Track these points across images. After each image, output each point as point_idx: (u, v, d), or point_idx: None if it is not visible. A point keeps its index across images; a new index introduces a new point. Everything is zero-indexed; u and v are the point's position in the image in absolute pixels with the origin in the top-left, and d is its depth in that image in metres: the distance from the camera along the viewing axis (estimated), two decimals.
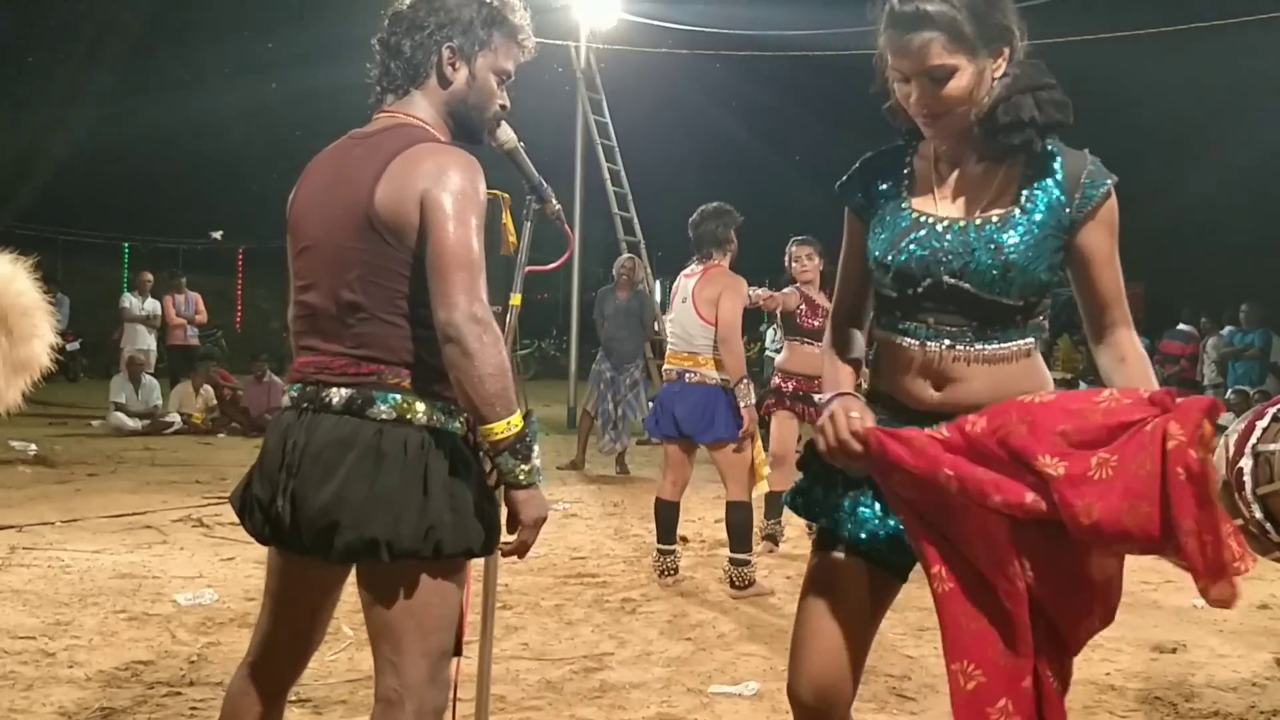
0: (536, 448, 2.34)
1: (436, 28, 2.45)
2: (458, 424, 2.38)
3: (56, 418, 13.22)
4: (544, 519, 2.39)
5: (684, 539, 7.26)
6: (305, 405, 2.40)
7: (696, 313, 5.96)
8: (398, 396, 2.34)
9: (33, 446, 10.19)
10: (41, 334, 4.19)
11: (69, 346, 15.67)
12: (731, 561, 5.98)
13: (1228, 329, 15.07)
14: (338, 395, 2.36)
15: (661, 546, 6.19)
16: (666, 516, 6.18)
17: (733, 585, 5.95)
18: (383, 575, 2.36)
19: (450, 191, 2.29)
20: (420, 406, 2.35)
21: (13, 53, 22.43)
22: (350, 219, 2.37)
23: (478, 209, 2.31)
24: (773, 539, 7.08)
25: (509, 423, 2.27)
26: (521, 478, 2.31)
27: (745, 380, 5.89)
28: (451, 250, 2.25)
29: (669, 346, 6.25)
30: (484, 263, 2.30)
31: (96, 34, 22.48)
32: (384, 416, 2.33)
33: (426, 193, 2.29)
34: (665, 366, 6.26)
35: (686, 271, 6.19)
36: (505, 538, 2.41)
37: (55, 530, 6.92)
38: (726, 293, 5.93)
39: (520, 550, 2.42)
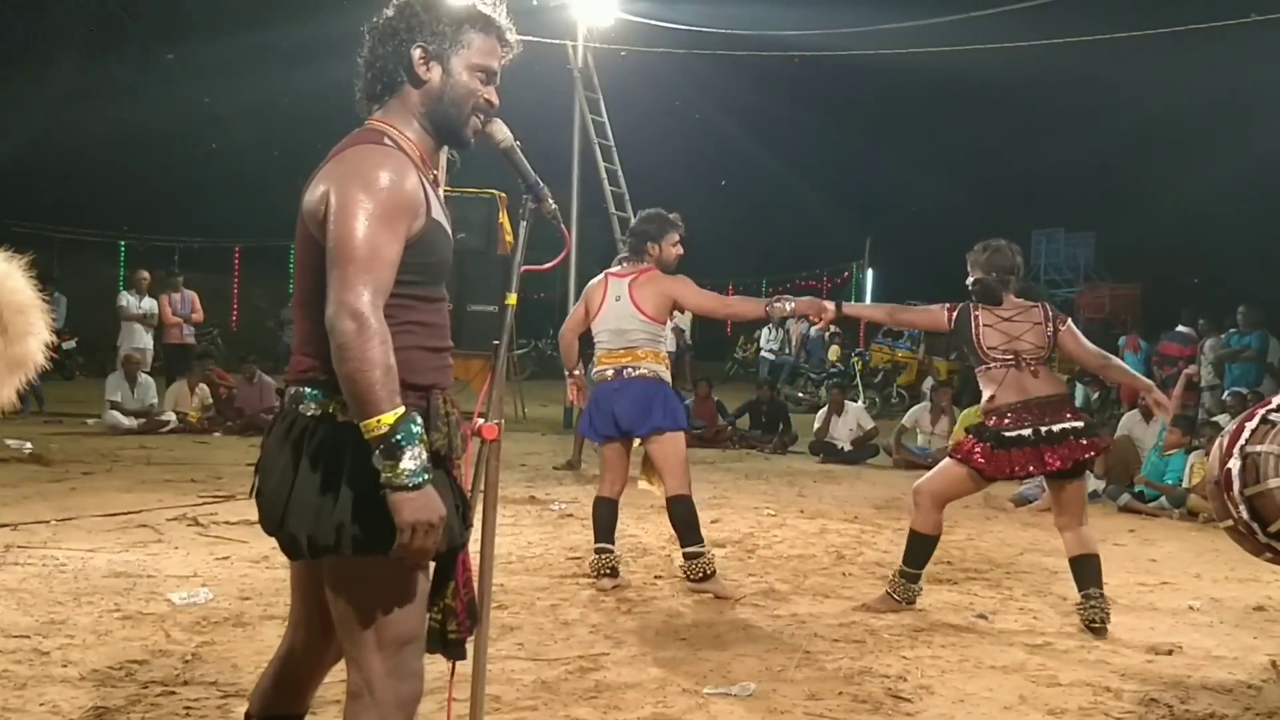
0: (412, 448, 2.25)
1: (406, 31, 2.50)
2: None
3: (52, 416, 13.20)
4: (427, 522, 2.27)
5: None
6: (285, 402, 2.50)
7: (638, 309, 5.91)
8: (321, 393, 2.38)
9: (28, 445, 10.17)
10: (37, 332, 4.18)
11: (65, 345, 15.63)
12: (685, 556, 5.90)
13: (1228, 332, 15.05)
14: (289, 392, 2.46)
15: (599, 545, 6.07)
16: (604, 516, 6.09)
17: (688, 578, 5.88)
18: (332, 572, 2.40)
19: (352, 187, 2.30)
20: (340, 404, 2.35)
21: (10, 51, 22.41)
22: (299, 222, 2.44)
23: (391, 207, 2.31)
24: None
25: (379, 420, 2.23)
26: (392, 478, 2.24)
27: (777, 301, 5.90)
28: (339, 245, 2.27)
29: (601, 347, 6.04)
30: (386, 260, 2.29)
31: (94, 31, 22.46)
32: (311, 412, 2.39)
33: (332, 189, 2.32)
34: (598, 368, 6.08)
35: (614, 271, 6.12)
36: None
37: (50, 529, 6.90)
38: (678, 290, 5.96)
39: (402, 554, 2.30)
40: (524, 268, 2.92)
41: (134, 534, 6.89)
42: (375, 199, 2.29)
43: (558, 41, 16.54)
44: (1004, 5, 15.63)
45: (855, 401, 14.95)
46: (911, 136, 35.68)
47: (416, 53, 2.49)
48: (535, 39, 15.70)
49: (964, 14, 16.22)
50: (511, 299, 2.93)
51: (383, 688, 2.38)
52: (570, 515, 8.23)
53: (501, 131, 2.70)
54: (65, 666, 4.34)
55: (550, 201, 2.83)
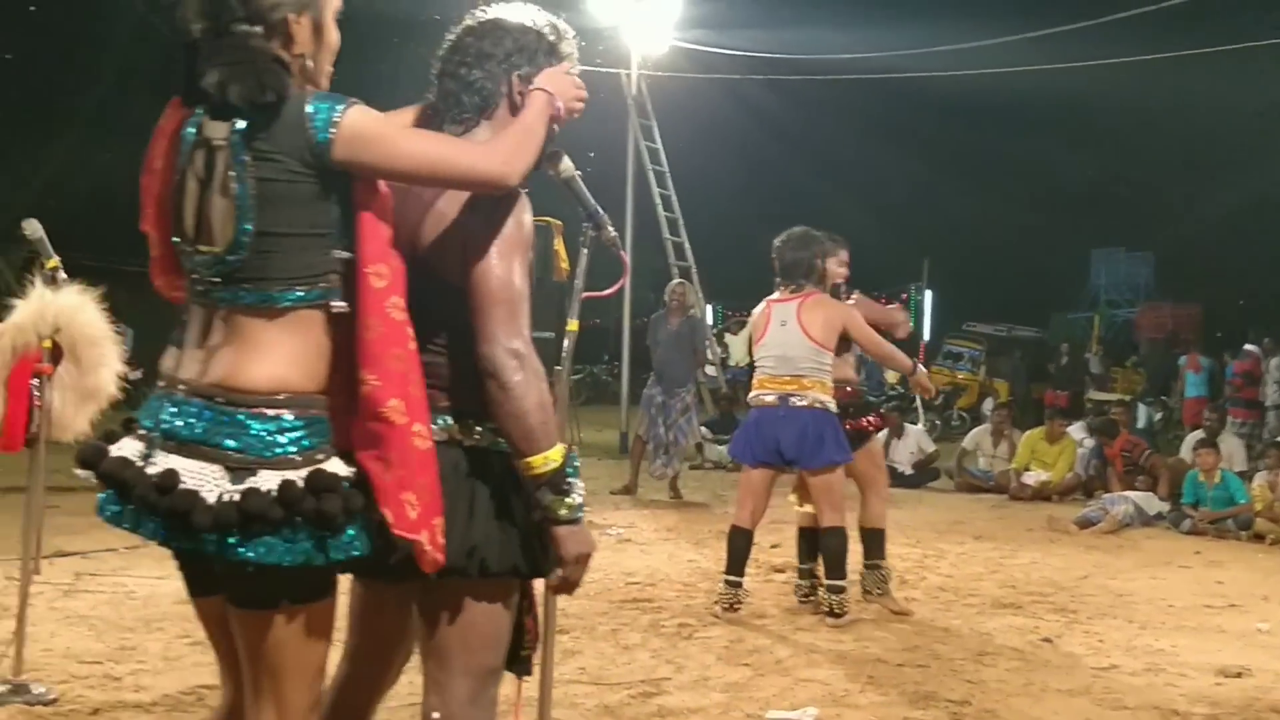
0: (578, 483, 2.34)
1: (504, 56, 2.49)
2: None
3: None
4: (587, 555, 2.37)
5: None
6: None
7: (805, 334, 5.79)
8: (448, 418, 2.39)
9: None
10: (109, 363, 4.31)
11: (132, 375, 15.84)
12: (828, 589, 5.79)
13: None
14: None
15: (729, 578, 5.97)
16: (739, 546, 5.98)
17: (830, 613, 5.75)
18: (433, 593, 2.40)
19: (495, 227, 2.32)
20: (468, 428, 2.38)
21: (79, 89, 22.89)
22: (408, 250, 2.42)
23: (521, 244, 2.35)
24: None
25: (546, 457, 2.28)
26: (562, 513, 2.31)
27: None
28: (490, 286, 2.30)
29: (763, 371, 5.94)
30: (526, 297, 2.33)
31: (162, 63, 22.83)
32: (436, 438, 2.38)
33: (469, 227, 2.33)
34: (758, 392, 5.95)
35: (776, 296, 6.00)
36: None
37: (119, 557, 7.01)
38: (849, 318, 5.89)
39: (564, 588, 2.42)
40: (585, 294, 2.96)
41: None
42: (516, 239, 2.34)
43: (612, 70, 16.67)
44: (1059, 25, 15.56)
45: (915, 424, 14.83)
46: (968, 157, 35.52)
47: (515, 80, 2.49)
48: (590, 68, 15.83)
49: (1019, 35, 16.16)
50: (573, 325, 2.97)
51: (463, 715, 2.39)
52: (629, 540, 8.24)
53: (563, 163, 2.73)
54: (137, 691, 4.42)
55: (610, 229, 2.86)
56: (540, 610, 2.71)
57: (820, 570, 5.99)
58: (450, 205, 2.38)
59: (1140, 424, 16.07)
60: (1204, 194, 29.12)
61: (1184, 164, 29.97)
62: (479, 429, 2.39)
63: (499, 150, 2.29)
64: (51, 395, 4.18)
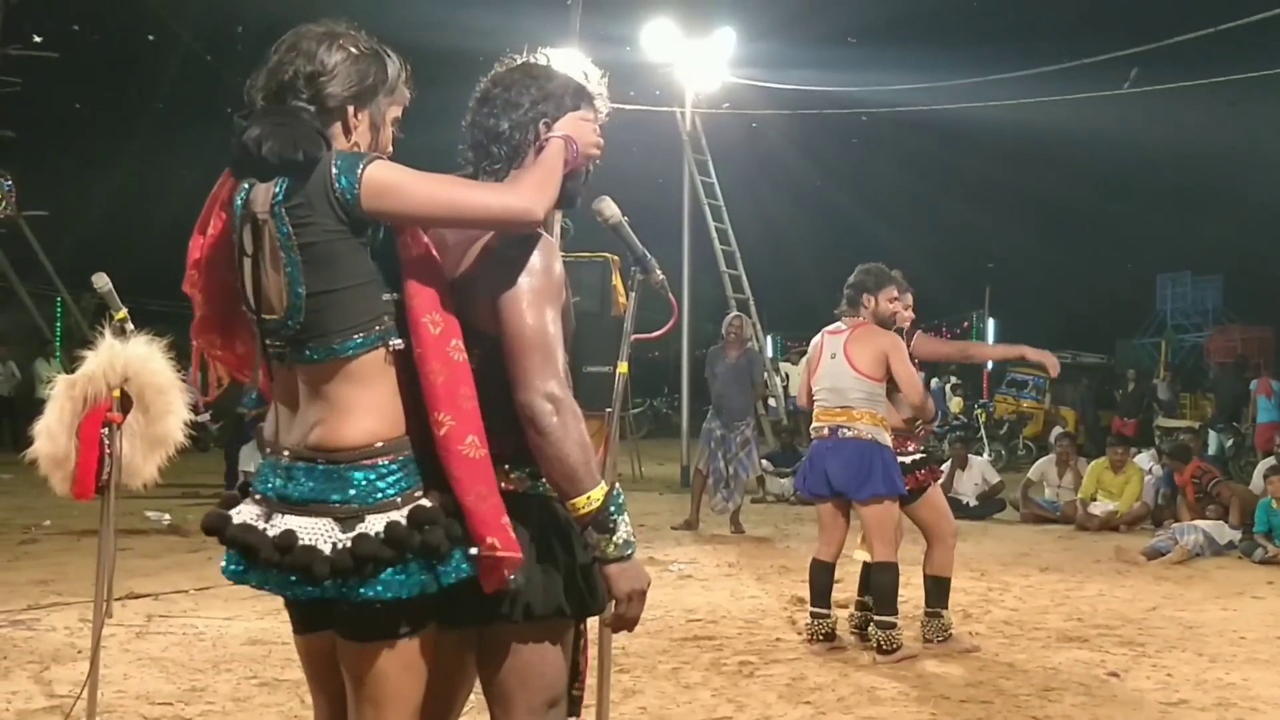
0: (623, 520, 2.36)
1: (531, 105, 2.52)
2: (548, 487, 2.41)
3: (189, 487, 13.63)
4: (640, 591, 2.40)
5: (799, 599, 7.21)
6: None
7: (851, 366, 5.86)
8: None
9: (166, 516, 10.52)
10: (175, 410, 4.43)
11: (200, 417, 16.10)
12: (877, 625, 5.80)
13: None
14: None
15: (814, 609, 6.03)
16: (820, 579, 6.04)
17: (879, 650, 5.76)
18: (486, 639, 2.44)
19: (525, 275, 2.36)
20: (504, 473, 2.40)
21: (150, 135, 23.42)
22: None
23: (551, 291, 2.37)
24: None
25: (589, 498, 2.30)
26: (610, 551, 2.35)
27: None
28: (525, 333, 2.33)
29: (818, 404, 6.05)
30: (560, 342, 2.36)
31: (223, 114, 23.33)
32: None
33: (500, 276, 2.37)
34: (814, 425, 6.07)
35: (831, 329, 6.11)
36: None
37: (189, 598, 7.14)
38: (893, 350, 5.84)
39: (620, 624, 2.46)
40: (634, 336, 3.00)
41: (269, 601, 7.03)
42: (546, 286, 2.36)
43: (666, 109, 16.81)
44: (1111, 52, 15.46)
45: (980, 455, 14.67)
46: (1029, 185, 35.26)
47: (542, 128, 2.51)
48: (645, 108, 15.99)
49: (1073, 61, 16.09)
50: (623, 367, 3.01)
51: None
52: (689, 576, 8.23)
53: (610, 209, 2.78)
54: None
55: (658, 273, 2.89)
56: (595, 649, 2.73)
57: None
58: (482, 256, 2.41)
59: (1211, 451, 15.80)
60: (1273, 215, 28.67)
61: (1252, 185, 29.53)
62: (515, 474, 2.42)
63: (521, 187, 2.35)
64: (121, 443, 4.29)
